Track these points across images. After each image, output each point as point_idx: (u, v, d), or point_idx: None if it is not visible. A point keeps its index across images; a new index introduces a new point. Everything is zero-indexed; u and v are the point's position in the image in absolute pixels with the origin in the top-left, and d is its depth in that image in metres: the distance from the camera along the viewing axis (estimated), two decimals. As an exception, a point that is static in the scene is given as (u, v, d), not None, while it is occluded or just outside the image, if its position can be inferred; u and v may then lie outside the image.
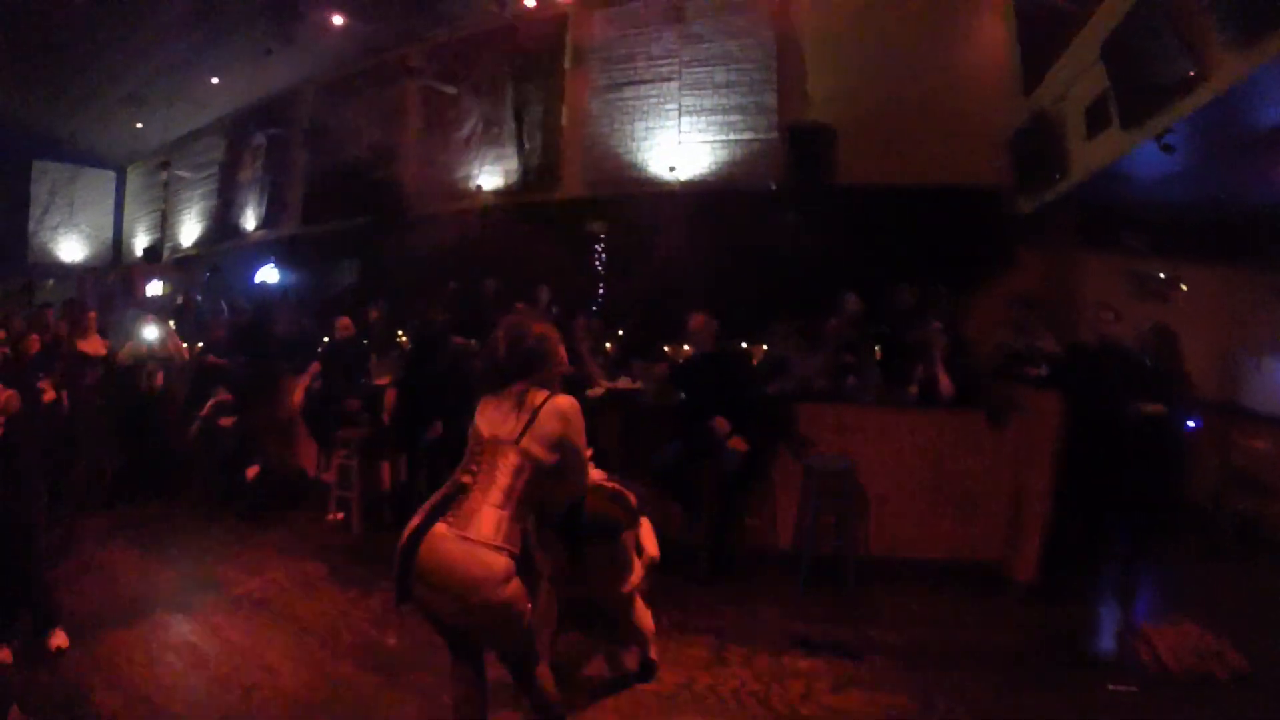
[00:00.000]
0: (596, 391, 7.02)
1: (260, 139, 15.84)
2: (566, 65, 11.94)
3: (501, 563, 2.87)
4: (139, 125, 17.05)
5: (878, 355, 7.56)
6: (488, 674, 3.23)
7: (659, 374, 7.27)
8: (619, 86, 11.60)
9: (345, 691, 4.25)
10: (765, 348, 8.09)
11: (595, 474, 3.75)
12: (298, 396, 7.98)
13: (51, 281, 16.98)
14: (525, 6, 11.61)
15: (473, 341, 7.41)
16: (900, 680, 4.37)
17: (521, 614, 2.94)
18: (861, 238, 9.28)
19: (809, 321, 7.76)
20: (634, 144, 11.37)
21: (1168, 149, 6.25)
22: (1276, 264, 7.92)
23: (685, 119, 11.13)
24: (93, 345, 8.70)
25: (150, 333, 8.84)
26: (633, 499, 4.02)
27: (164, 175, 17.77)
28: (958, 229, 8.98)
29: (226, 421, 8.10)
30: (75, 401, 8.02)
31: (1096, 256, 8.97)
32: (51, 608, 4.71)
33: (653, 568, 4.18)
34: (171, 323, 10.08)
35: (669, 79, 11.30)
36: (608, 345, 8.92)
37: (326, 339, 8.72)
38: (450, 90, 12.74)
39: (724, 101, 10.96)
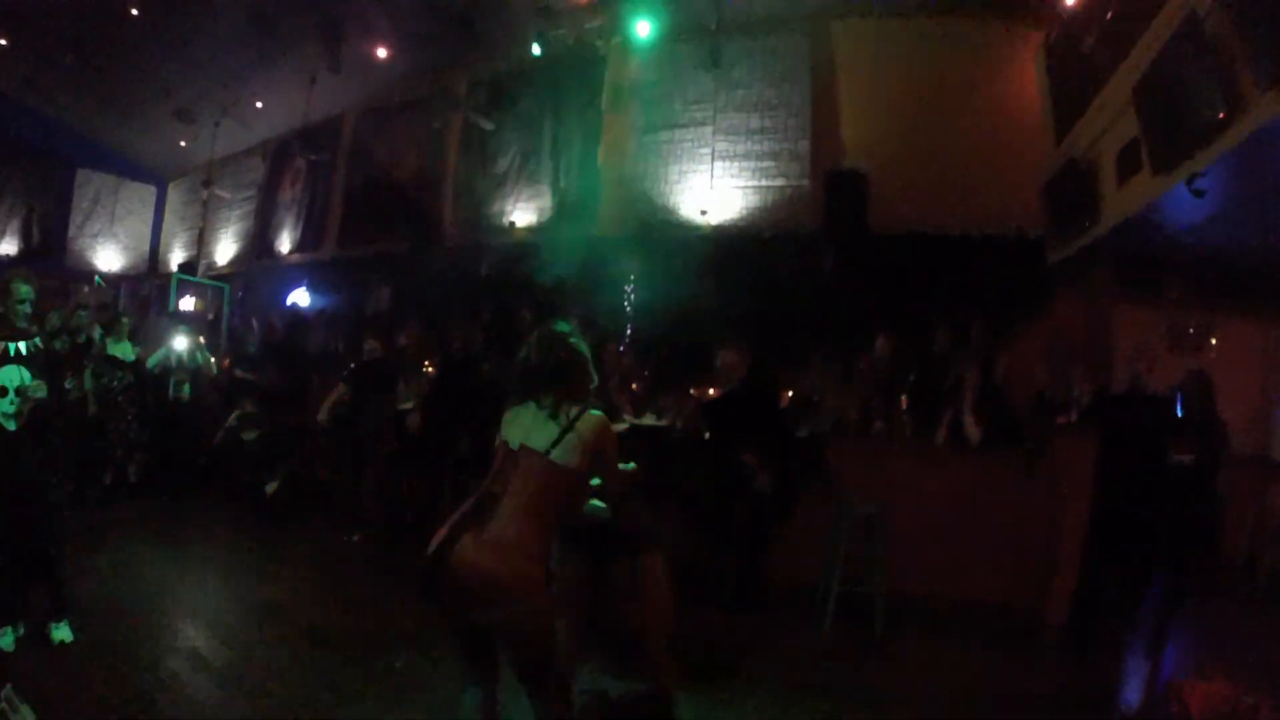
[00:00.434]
0: (620, 426, 7.09)
1: (301, 163, 16.11)
2: (604, 105, 12.16)
3: (535, 570, 2.89)
4: (183, 143, 17.40)
5: (904, 402, 7.64)
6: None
7: (690, 409, 7.30)
8: (655, 129, 11.82)
9: (352, 701, 4.28)
10: (791, 392, 8.15)
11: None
12: (323, 414, 8.14)
13: (86, 288, 17.27)
14: (566, 45, 11.82)
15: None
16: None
17: (550, 623, 2.97)
18: (895, 284, 9.37)
19: (841, 363, 7.84)
20: (667, 186, 11.58)
21: (1199, 193, 6.18)
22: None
23: (719, 164, 11.32)
24: (124, 350, 8.96)
25: (180, 343, 9.12)
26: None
27: (204, 193, 18.04)
28: (992, 275, 9.06)
29: (250, 433, 8.31)
30: (103, 403, 8.31)
31: (1132, 303, 8.91)
32: (63, 598, 4.80)
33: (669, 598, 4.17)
34: (201, 337, 10.34)
35: (704, 123, 11.50)
36: (634, 385, 9.00)
37: (355, 360, 8.92)
38: (488, 125, 12.97)
39: (758, 147, 11.14)
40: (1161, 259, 8.62)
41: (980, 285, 8.91)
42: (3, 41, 14.15)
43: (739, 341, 6.42)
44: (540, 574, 2.92)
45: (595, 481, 3.45)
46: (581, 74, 12.33)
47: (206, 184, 17.72)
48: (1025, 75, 9.90)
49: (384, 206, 14.12)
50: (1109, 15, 7.80)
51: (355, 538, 7.67)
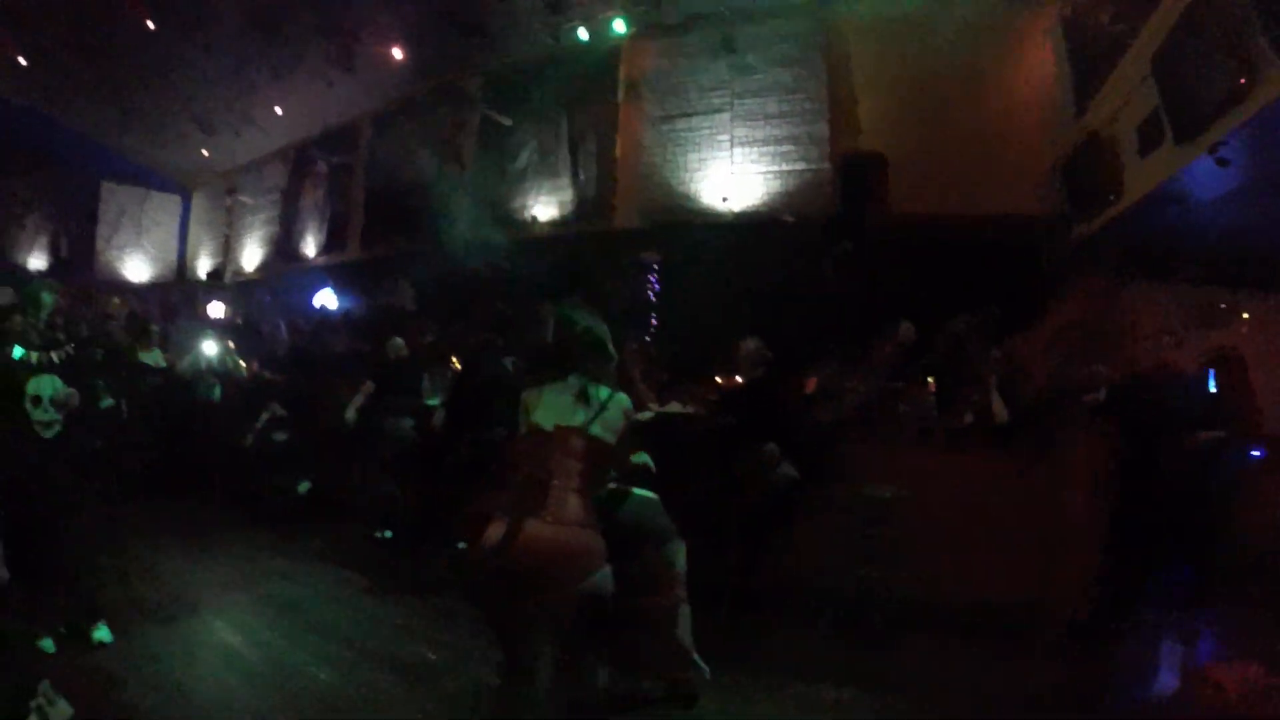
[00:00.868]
0: (645, 415, 7.10)
1: (322, 166, 16.29)
2: (620, 97, 12.17)
3: (599, 540, 3.05)
4: (205, 152, 17.59)
5: (930, 384, 7.60)
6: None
7: (709, 400, 7.32)
8: (672, 118, 11.80)
9: (375, 695, 4.33)
10: (814, 377, 8.10)
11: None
12: (350, 412, 8.21)
13: (116, 299, 17.51)
14: (579, 38, 11.84)
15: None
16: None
17: (611, 593, 3.08)
18: (915, 266, 9.23)
19: (862, 349, 7.80)
20: (687, 175, 11.56)
21: (1223, 162, 6.11)
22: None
23: (738, 150, 11.29)
24: (154, 357, 9.12)
25: (209, 348, 9.24)
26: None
27: (228, 200, 18.27)
28: (1013, 256, 8.91)
29: (280, 434, 8.40)
30: (134, 408, 8.43)
31: (1156, 283, 8.74)
32: (96, 600, 4.91)
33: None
34: (230, 341, 10.46)
35: (721, 110, 11.47)
36: (659, 376, 8.99)
37: (380, 359, 8.98)
38: (506, 121, 13.01)
39: (776, 132, 11.09)
40: (1186, 237, 8.40)
41: (998, 266, 8.76)
42: (23, 61, 14.34)
43: (758, 334, 6.40)
44: (602, 541, 3.07)
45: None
46: (595, 66, 12.31)
47: (230, 191, 17.91)
48: (1043, 51, 9.76)
49: (405, 207, 14.18)
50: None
51: (385, 534, 7.73)
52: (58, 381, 4.63)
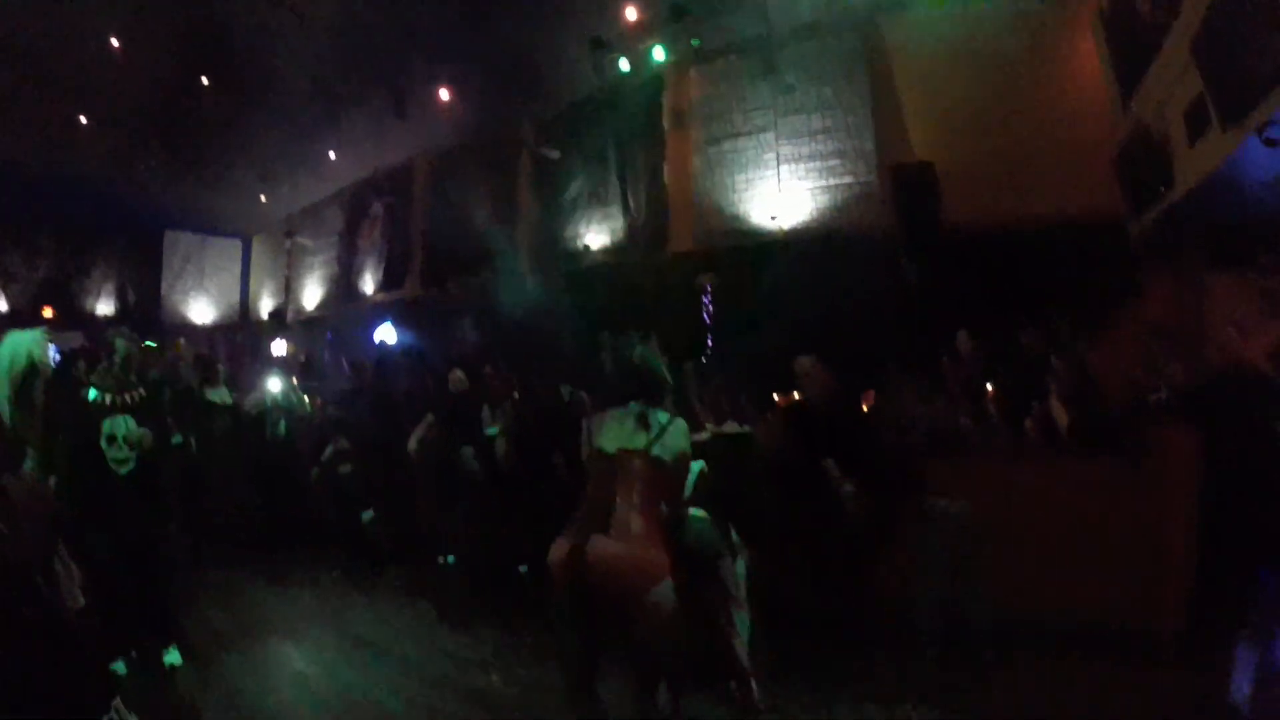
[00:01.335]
0: (703, 436, 7.07)
1: (378, 208, 16.70)
2: (665, 125, 12.30)
3: (662, 555, 3.14)
4: (263, 198, 18.09)
5: (992, 394, 7.48)
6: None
7: (768, 419, 7.29)
8: (717, 140, 11.88)
9: None
10: (872, 395, 8.02)
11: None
12: (413, 444, 8.33)
13: (183, 341, 17.99)
14: (620, 70, 12.00)
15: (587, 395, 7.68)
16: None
17: (675, 607, 3.13)
18: (974, 276, 9.13)
19: (923, 366, 7.72)
20: (735, 196, 11.62)
21: (1270, 142, 5.83)
22: None
23: (784, 167, 11.31)
24: (221, 396, 9.37)
25: (274, 385, 9.49)
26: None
27: (288, 243, 18.77)
28: (1074, 260, 8.70)
29: (345, 467, 8.56)
30: (204, 446, 8.68)
31: (1225, 276, 8.19)
32: (171, 626, 5.10)
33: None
34: (294, 378, 10.70)
35: (765, 129, 11.52)
36: (717, 397, 8.97)
37: (441, 392, 9.09)
38: (554, 155, 13.20)
39: (822, 147, 11.10)
40: (1248, 222, 7.98)
41: (1062, 272, 8.59)
42: (84, 120, 14.89)
43: (817, 352, 6.28)
44: (666, 558, 3.16)
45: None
46: (640, 97, 12.46)
47: (288, 235, 18.39)
48: (1085, 47, 9.57)
49: (461, 243, 14.43)
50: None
51: (449, 559, 7.85)
52: (131, 421, 4.82)
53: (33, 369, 3.09)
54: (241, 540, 8.50)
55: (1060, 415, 6.25)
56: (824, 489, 5.76)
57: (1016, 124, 9.66)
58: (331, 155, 15.84)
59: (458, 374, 8.77)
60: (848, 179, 10.90)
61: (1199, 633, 5.13)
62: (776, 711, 4.32)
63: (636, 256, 12.27)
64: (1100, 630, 5.42)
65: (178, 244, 19.95)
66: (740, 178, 11.60)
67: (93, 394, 4.81)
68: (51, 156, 15.42)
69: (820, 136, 11.13)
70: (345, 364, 12.55)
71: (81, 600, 3.12)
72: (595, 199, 12.98)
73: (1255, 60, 5.78)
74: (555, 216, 13.45)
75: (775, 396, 8.29)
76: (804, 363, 6.25)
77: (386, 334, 15.14)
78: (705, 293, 11.23)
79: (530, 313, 12.28)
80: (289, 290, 19.36)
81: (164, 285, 19.77)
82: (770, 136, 11.46)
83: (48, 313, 17.39)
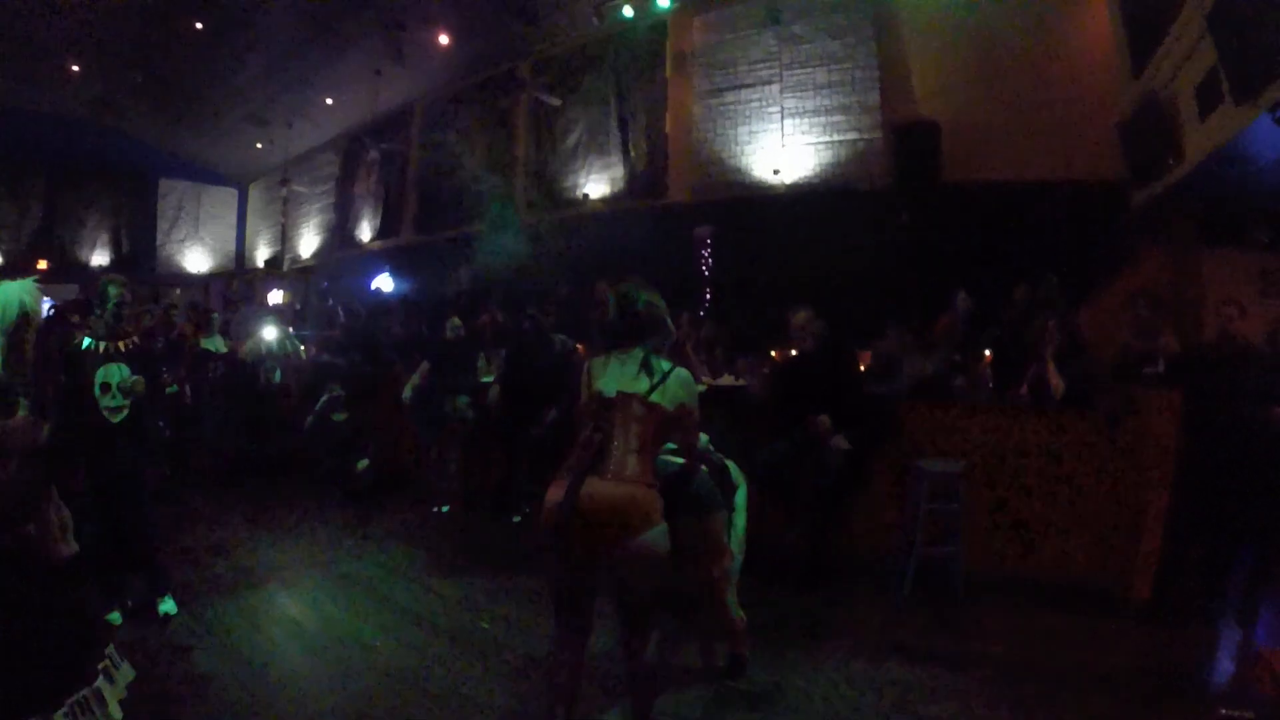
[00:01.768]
0: (699, 388, 7.01)
1: (374, 154, 16.48)
2: (668, 73, 12.11)
3: (657, 498, 3.16)
4: (259, 145, 17.91)
5: (988, 355, 7.47)
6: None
7: (764, 371, 7.29)
8: (720, 91, 11.71)
9: (437, 668, 4.40)
10: (872, 349, 8.00)
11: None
12: (406, 392, 8.32)
13: (179, 290, 17.92)
14: (623, 15, 11.81)
15: (580, 345, 7.66)
16: (999, 696, 4.13)
17: (667, 550, 3.15)
18: (972, 235, 9.11)
19: (920, 321, 7.69)
20: (737, 148, 11.48)
21: None
22: None
23: (788, 121, 11.16)
24: (215, 344, 9.40)
25: (269, 333, 9.46)
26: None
27: (283, 191, 18.60)
28: (1072, 224, 8.73)
29: (339, 415, 8.56)
30: (198, 394, 8.74)
31: (1220, 250, 8.39)
32: (163, 576, 5.10)
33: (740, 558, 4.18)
34: (289, 326, 10.65)
35: (770, 82, 11.35)
36: (713, 350, 8.95)
37: (436, 339, 9.08)
38: (555, 102, 13.04)
39: (826, 102, 10.94)
40: (1250, 202, 8.11)
41: (1059, 235, 8.58)
42: (75, 67, 14.67)
43: (814, 305, 6.24)
44: (659, 496, 3.19)
45: (670, 446, 3.68)
46: (642, 44, 12.29)
47: (284, 182, 18.22)
48: (1098, 11, 9.42)
49: (457, 190, 14.32)
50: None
51: (443, 509, 7.86)
52: (124, 369, 4.77)
53: (25, 318, 3.04)
54: (235, 487, 8.49)
55: (1056, 382, 6.21)
56: (811, 449, 5.79)
57: (1023, 85, 9.57)
58: (328, 101, 15.64)
59: (454, 321, 8.72)
60: (852, 135, 10.76)
61: (1165, 596, 5.30)
62: (763, 667, 4.32)
63: (635, 205, 12.16)
64: (1073, 591, 5.60)
65: (173, 192, 19.80)
66: (743, 130, 11.45)
67: (86, 342, 4.76)
68: (42, 100, 15.27)
69: (825, 90, 10.97)
70: (340, 311, 12.53)
71: (74, 545, 3.10)
72: (595, 146, 12.85)
73: (1271, 37, 5.73)
74: (553, 163, 13.31)
75: (772, 351, 8.24)
76: (799, 317, 6.21)
77: (384, 283, 15.07)
78: (704, 245, 11.13)
79: (526, 260, 12.21)
80: (285, 238, 19.25)
81: (159, 234, 19.71)
82: (775, 89, 11.29)
83: (42, 264, 17.36)
